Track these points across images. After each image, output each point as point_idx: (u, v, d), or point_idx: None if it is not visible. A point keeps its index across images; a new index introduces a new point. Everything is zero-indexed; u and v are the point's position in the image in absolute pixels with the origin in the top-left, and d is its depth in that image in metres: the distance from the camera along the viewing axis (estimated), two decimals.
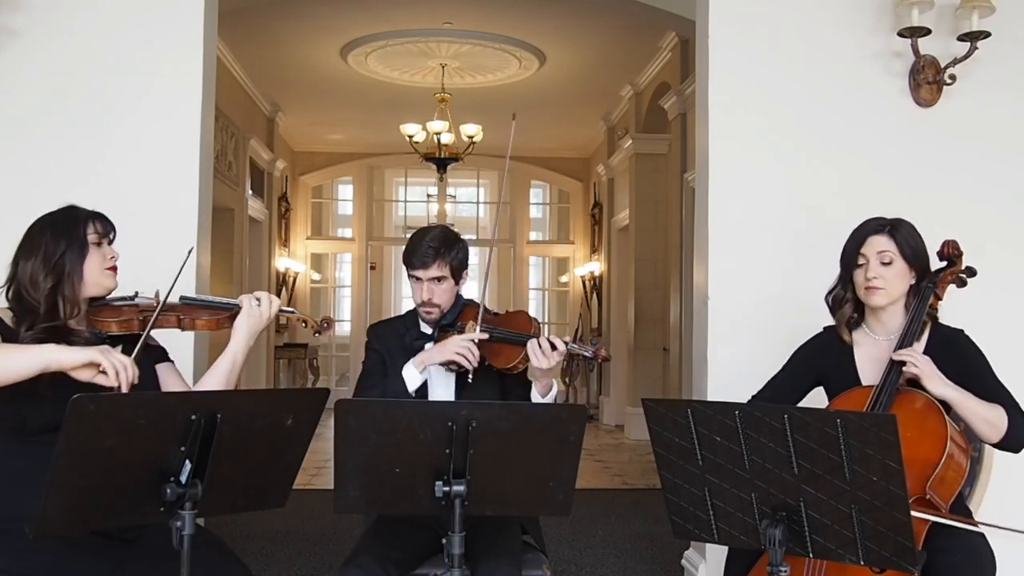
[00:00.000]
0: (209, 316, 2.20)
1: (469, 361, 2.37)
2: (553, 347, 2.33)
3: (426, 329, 2.56)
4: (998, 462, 2.40)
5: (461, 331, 2.47)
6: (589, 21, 6.75)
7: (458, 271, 2.53)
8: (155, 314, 2.07)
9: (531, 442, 1.85)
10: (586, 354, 2.36)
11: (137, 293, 2.19)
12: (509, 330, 2.44)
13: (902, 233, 2.29)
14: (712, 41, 3.32)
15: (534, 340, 2.35)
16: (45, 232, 2.07)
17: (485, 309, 2.48)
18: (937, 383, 2.15)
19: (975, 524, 2.13)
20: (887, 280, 2.27)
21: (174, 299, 2.17)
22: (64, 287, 2.03)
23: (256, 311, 2.20)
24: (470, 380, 2.40)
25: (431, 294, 2.49)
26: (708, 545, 3.16)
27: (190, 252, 2.28)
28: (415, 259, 2.49)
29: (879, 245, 2.28)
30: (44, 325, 2.00)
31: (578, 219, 11.62)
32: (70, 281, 2.04)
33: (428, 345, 2.52)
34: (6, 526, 1.86)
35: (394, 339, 2.57)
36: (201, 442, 1.63)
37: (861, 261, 2.30)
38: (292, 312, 2.38)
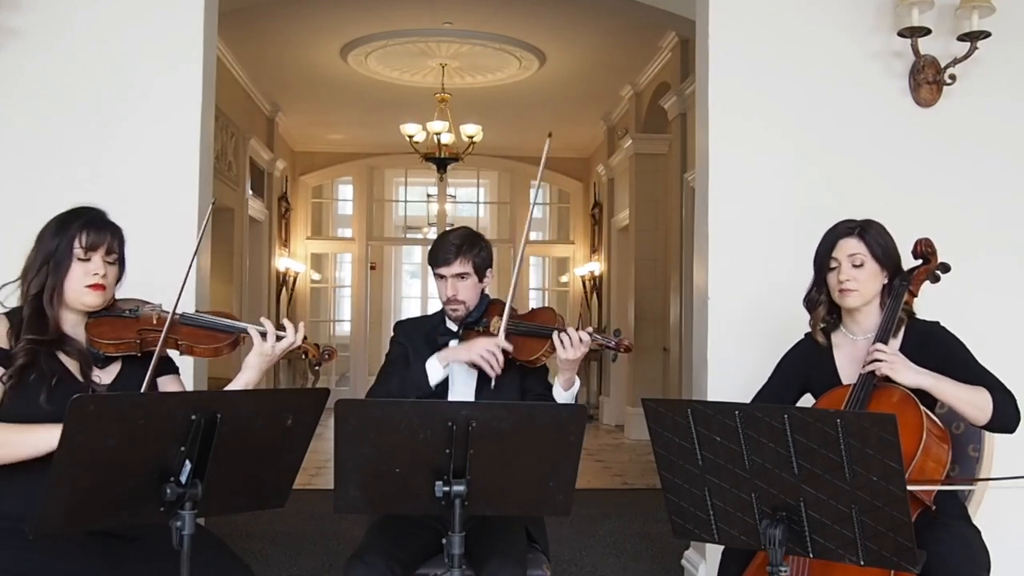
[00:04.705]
0: (209, 344, 2.14)
1: (492, 368, 2.40)
2: (580, 339, 2.36)
3: (452, 327, 2.59)
4: (998, 463, 2.40)
5: (487, 328, 2.51)
6: (589, 21, 6.75)
7: (481, 269, 2.57)
8: (157, 351, 2.05)
9: (531, 442, 1.85)
10: (609, 344, 2.40)
11: (139, 307, 2.15)
12: (534, 323, 2.47)
13: (871, 234, 2.31)
14: (712, 41, 3.32)
15: (559, 331, 2.38)
16: (43, 235, 2.07)
17: (512, 309, 2.49)
18: (908, 373, 2.16)
19: (972, 483, 2.13)
20: (860, 282, 2.29)
21: (181, 310, 2.13)
22: (44, 296, 2.02)
23: (267, 348, 2.11)
24: (493, 379, 2.43)
25: (455, 290, 2.53)
26: (708, 545, 3.16)
27: (213, 203, 2.34)
28: (439, 256, 2.54)
29: (849, 248, 2.30)
30: (33, 338, 1.98)
31: (578, 219, 11.62)
32: (50, 293, 2.02)
33: (454, 342, 2.55)
34: (7, 525, 1.86)
35: (420, 335, 2.61)
36: (201, 442, 1.64)
37: (833, 264, 2.32)
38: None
